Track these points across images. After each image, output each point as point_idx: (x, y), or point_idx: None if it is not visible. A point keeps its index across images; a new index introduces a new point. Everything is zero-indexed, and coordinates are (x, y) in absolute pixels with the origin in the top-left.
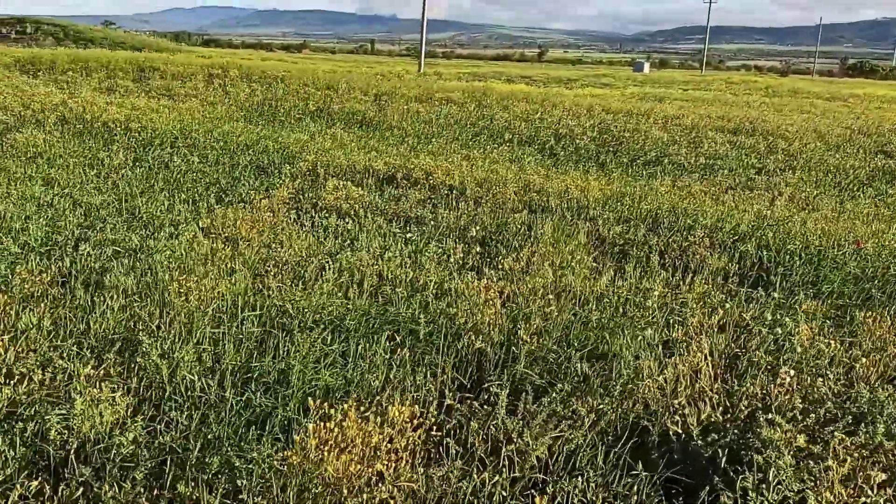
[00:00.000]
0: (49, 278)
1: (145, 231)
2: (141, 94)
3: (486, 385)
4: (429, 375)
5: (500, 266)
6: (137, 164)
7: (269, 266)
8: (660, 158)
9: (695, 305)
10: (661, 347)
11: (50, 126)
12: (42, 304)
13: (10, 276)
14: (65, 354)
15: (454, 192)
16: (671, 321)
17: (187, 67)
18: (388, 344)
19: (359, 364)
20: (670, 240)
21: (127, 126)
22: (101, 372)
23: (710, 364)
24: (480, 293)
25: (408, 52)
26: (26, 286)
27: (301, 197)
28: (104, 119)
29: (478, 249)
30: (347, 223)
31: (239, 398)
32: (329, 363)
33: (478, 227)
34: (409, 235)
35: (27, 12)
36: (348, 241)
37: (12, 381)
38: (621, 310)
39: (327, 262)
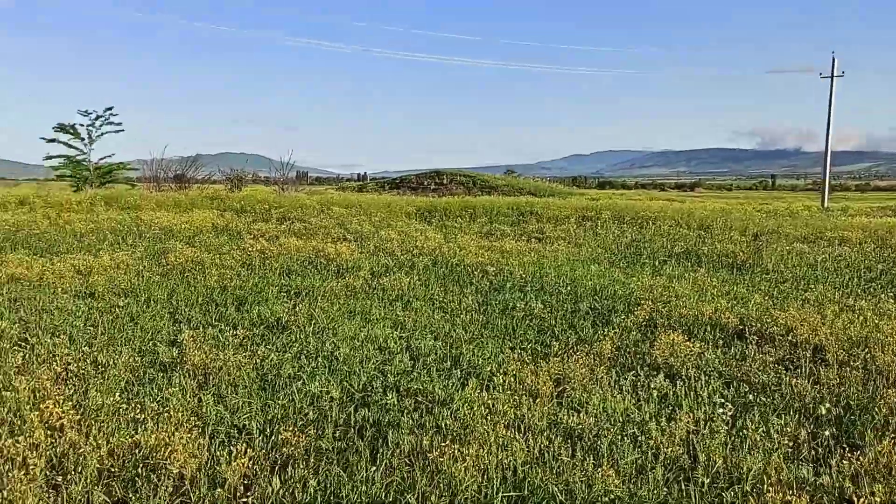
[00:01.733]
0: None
1: (459, 378)
2: (515, 238)
3: None
4: None
5: (855, 458)
6: (483, 307)
7: (554, 433)
8: None
9: None
10: None
11: (419, 270)
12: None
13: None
14: None
15: (817, 353)
16: None
17: (562, 210)
18: None
19: None
20: None
21: (484, 270)
22: None
23: None
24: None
25: (814, 185)
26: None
27: (629, 349)
28: (467, 262)
29: (828, 433)
30: (675, 384)
31: None
32: None
33: (833, 402)
34: (723, 409)
35: (444, 166)
36: (669, 408)
37: None
38: None
39: (634, 433)
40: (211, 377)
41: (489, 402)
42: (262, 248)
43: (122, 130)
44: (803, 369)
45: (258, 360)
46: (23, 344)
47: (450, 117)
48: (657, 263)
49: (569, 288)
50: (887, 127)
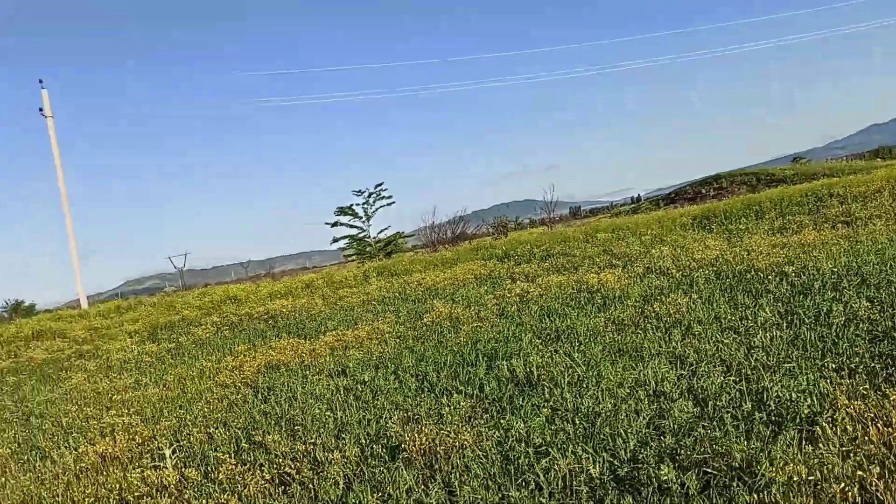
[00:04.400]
0: None
1: (766, 427)
2: (815, 227)
3: None
4: None
5: None
6: (787, 318)
7: None
8: None
9: None
10: None
11: (700, 285)
12: None
13: None
14: None
15: None
16: None
17: (870, 185)
18: None
19: None
20: None
21: (782, 271)
22: None
23: None
24: None
25: None
26: None
27: None
28: (759, 266)
29: None
30: None
31: None
32: None
33: None
34: None
35: (721, 170)
36: None
37: None
38: None
39: None
40: (440, 462)
41: (816, 464)
42: (522, 290)
43: (394, 203)
44: None
45: (501, 432)
46: (245, 445)
47: (720, 114)
48: None
49: None
50: None
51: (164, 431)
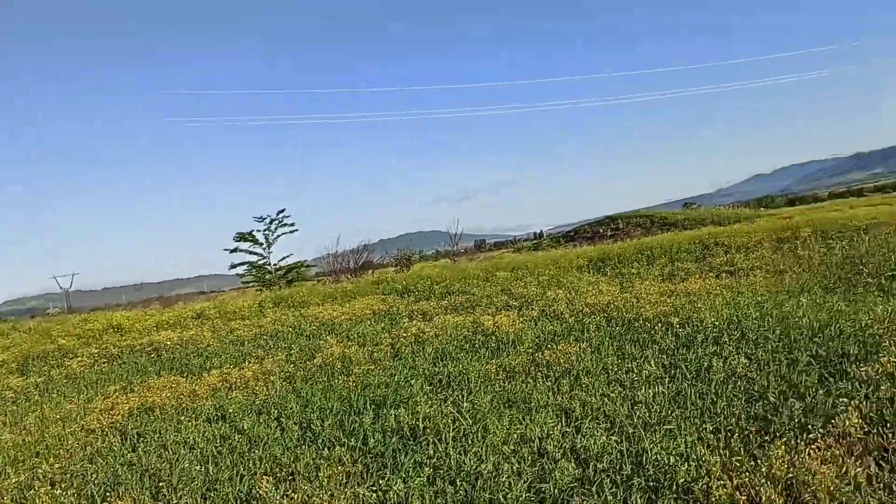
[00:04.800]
0: None
1: (643, 493)
2: (701, 275)
3: None
4: None
5: None
6: (670, 371)
7: None
8: None
9: None
10: None
11: (591, 332)
12: None
13: None
14: None
15: None
16: None
17: (752, 235)
18: None
19: None
20: None
21: (668, 322)
22: None
23: None
24: None
25: None
26: None
27: (887, 421)
28: (647, 315)
29: None
30: None
31: None
32: None
33: None
34: None
35: (620, 210)
36: None
37: None
38: None
39: None
40: None
41: None
42: (419, 330)
43: (296, 230)
44: None
45: (380, 494)
46: None
47: (620, 160)
48: (884, 281)
49: (778, 332)
50: None
51: (7, 490)
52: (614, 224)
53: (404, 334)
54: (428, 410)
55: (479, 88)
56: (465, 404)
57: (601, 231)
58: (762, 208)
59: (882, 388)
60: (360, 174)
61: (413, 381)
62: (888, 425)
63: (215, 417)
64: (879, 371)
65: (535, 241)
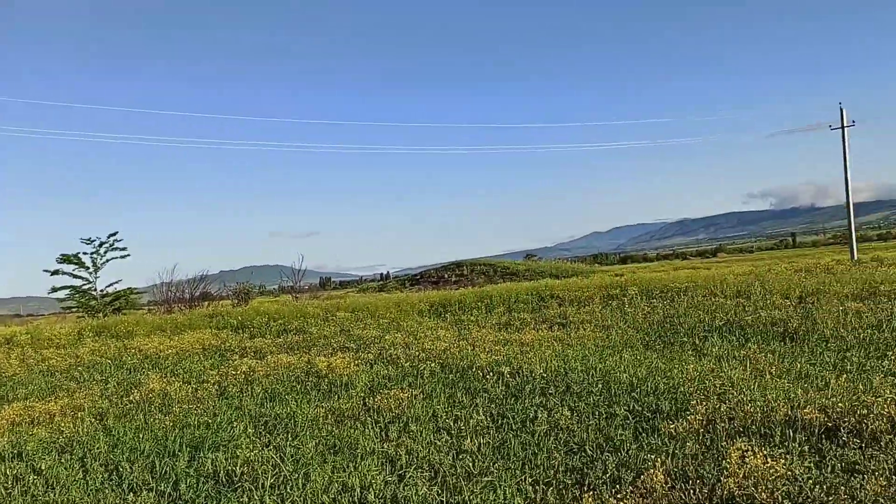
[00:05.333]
0: None
1: None
2: (535, 326)
3: None
4: None
5: None
6: (498, 421)
7: None
8: None
9: None
10: None
11: (426, 377)
12: None
13: None
14: None
15: None
16: None
17: (585, 290)
18: None
19: None
20: None
21: (499, 371)
22: None
23: None
24: None
25: (834, 239)
26: None
27: (688, 476)
28: (480, 363)
29: None
30: None
31: None
32: None
33: None
34: None
35: (466, 257)
36: None
37: None
38: None
39: None
40: None
41: None
42: (250, 368)
43: (128, 255)
44: None
45: None
46: None
47: (469, 208)
48: (697, 341)
49: (600, 385)
50: None
51: None
52: (459, 270)
53: (233, 372)
54: (249, 455)
55: (330, 125)
56: (288, 449)
57: (446, 276)
58: (597, 264)
59: (688, 444)
60: (201, 203)
61: (236, 423)
62: (690, 481)
63: (10, 456)
64: (687, 428)
65: (381, 283)
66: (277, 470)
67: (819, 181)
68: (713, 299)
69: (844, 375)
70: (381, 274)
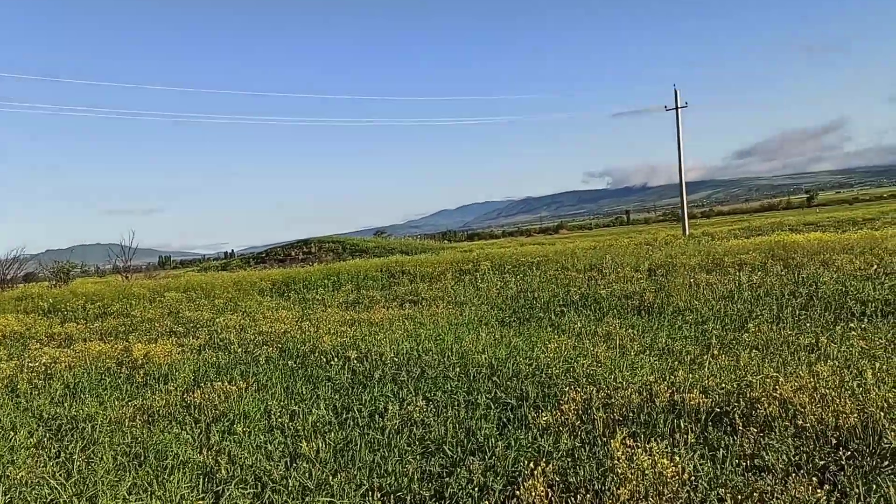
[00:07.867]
0: None
1: None
2: (386, 304)
3: None
4: None
5: None
6: (342, 416)
7: None
8: None
9: None
10: None
11: (260, 365)
12: None
13: None
14: None
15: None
16: None
17: (436, 266)
18: None
19: None
20: None
21: (345, 355)
22: None
23: None
24: None
25: (664, 216)
26: None
27: (571, 482)
28: (323, 347)
29: None
30: None
31: None
32: None
33: None
34: None
35: (316, 235)
36: None
37: None
38: None
39: None
40: None
41: None
42: (51, 359)
43: None
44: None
45: None
46: None
47: (316, 184)
48: (554, 316)
49: (458, 370)
50: (720, 157)
51: None
52: (307, 248)
53: (32, 363)
54: (20, 474)
55: (182, 92)
56: (78, 462)
57: (293, 254)
58: (446, 241)
59: (563, 439)
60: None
61: (20, 429)
62: (573, 493)
63: None
64: (560, 419)
65: (224, 261)
66: (53, 496)
67: (652, 161)
68: (566, 273)
69: (713, 352)
70: (226, 252)
